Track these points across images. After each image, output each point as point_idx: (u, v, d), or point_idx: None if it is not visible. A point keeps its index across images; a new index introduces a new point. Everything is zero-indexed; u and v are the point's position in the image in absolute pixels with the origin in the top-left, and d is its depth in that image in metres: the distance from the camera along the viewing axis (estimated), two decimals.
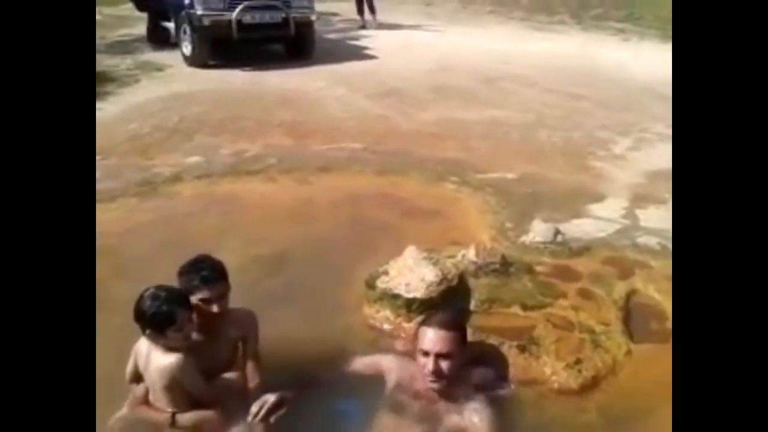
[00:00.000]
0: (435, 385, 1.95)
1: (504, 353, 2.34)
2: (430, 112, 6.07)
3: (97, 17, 10.07)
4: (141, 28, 10.09)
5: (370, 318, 2.63)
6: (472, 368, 2.14)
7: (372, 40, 10.31)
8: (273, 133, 5.32)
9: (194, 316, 1.96)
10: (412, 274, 2.63)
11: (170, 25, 8.67)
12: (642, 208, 3.77)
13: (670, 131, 5.07)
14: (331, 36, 10.89)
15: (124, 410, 1.99)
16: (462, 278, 2.70)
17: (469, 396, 1.99)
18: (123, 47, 9.42)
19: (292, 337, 2.39)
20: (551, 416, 2.15)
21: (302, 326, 2.52)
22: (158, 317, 1.85)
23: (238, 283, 2.15)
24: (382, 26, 11.65)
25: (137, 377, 2.00)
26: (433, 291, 2.56)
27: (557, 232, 3.28)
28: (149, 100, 6.40)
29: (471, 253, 2.84)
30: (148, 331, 1.89)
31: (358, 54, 9.23)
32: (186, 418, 1.94)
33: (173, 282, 1.99)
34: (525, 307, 2.62)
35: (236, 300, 2.13)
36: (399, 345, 2.44)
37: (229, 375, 2.08)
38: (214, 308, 1.99)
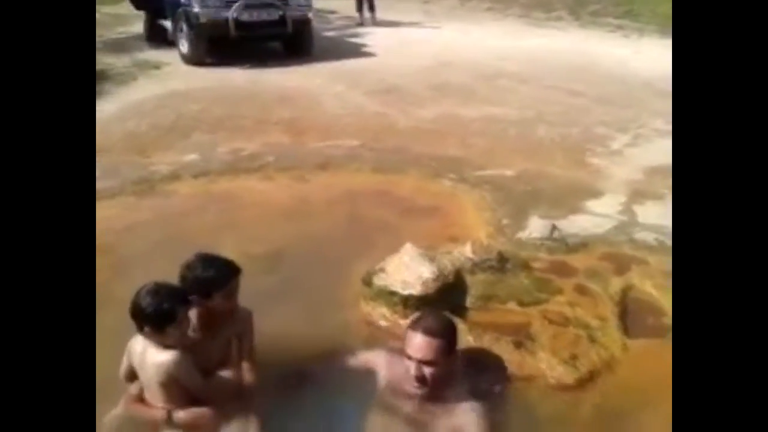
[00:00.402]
0: (418, 391, 1.94)
1: (502, 359, 2.31)
2: (428, 109, 6.07)
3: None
4: (138, 27, 10.10)
5: (366, 315, 2.63)
6: (467, 371, 2.13)
7: (370, 37, 10.32)
8: (271, 131, 5.32)
9: (193, 313, 1.96)
10: (408, 271, 2.64)
11: (167, 23, 8.67)
12: (639, 204, 3.76)
13: (668, 127, 5.08)
14: (330, 33, 10.89)
15: (118, 408, 1.99)
16: (458, 275, 2.70)
17: (461, 398, 1.98)
18: (120, 45, 9.42)
19: (289, 334, 2.39)
20: (547, 412, 2.15)
21: (299, 323, 2.52)
22: (158, 314, 1.82)
23: None
24: (380, 24, 11.65)
25: (131, 375, 1.99)
26: (429, 288, 2.57)
27: (554, 228, 3.29)
28: (146, 98, 6.40)
29: (467, 250, 2.84)
30: (146, 329, 1.86)
31: (357, 51, 9.23)
32: (182, 415, 1.94)
33: (172, 279, 1.98)
34: (521, 303, 2.63)
35: None
36: (395, 342, 2.44)
37: (225, 372, 2.07)
38: (232, 302, 2.04)
